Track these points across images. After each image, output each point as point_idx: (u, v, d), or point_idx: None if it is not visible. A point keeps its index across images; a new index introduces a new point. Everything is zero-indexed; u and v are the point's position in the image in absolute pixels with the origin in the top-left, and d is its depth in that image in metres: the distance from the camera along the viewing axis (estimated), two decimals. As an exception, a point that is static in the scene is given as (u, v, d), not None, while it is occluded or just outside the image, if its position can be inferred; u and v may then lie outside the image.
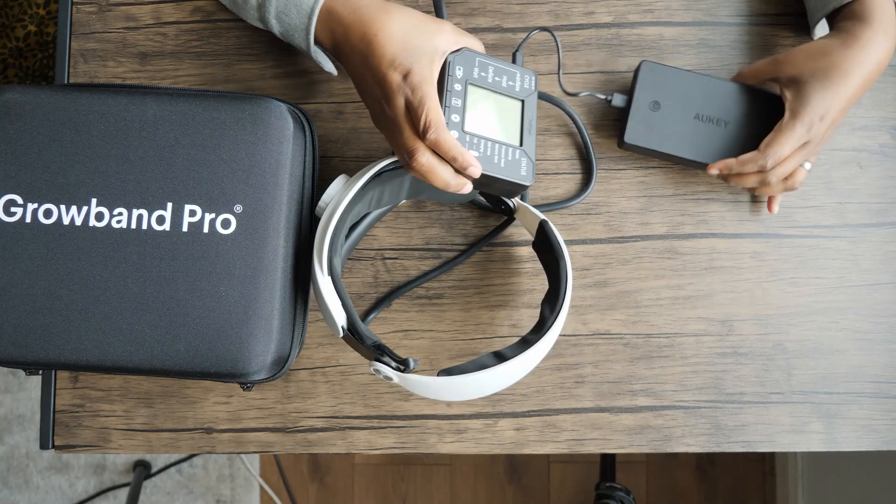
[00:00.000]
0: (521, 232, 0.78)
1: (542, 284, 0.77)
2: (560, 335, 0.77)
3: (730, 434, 0.76)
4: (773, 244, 0.78)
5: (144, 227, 0.64)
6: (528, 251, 0.78)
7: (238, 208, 0.64)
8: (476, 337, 0.77)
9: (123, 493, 1.66)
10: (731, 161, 0.72)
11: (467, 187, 0.66)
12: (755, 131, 0.74)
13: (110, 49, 0.80)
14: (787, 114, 0.70)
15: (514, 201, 0.75)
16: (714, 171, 0.73)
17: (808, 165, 0.74)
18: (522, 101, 0.69)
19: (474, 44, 0.69)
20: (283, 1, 0.69)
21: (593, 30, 0.80)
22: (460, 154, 0.63)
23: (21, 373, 1.65)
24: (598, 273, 0.77)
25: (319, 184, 0.79)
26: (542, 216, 0.73)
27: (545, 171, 0.79)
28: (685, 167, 0.78)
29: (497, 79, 0.69)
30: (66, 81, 0.79)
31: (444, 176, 0.64)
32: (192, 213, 0.64)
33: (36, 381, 1.66)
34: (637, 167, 0.78)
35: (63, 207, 0.64)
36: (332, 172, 0.79)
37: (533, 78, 0.70)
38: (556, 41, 0.73)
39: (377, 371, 0.64)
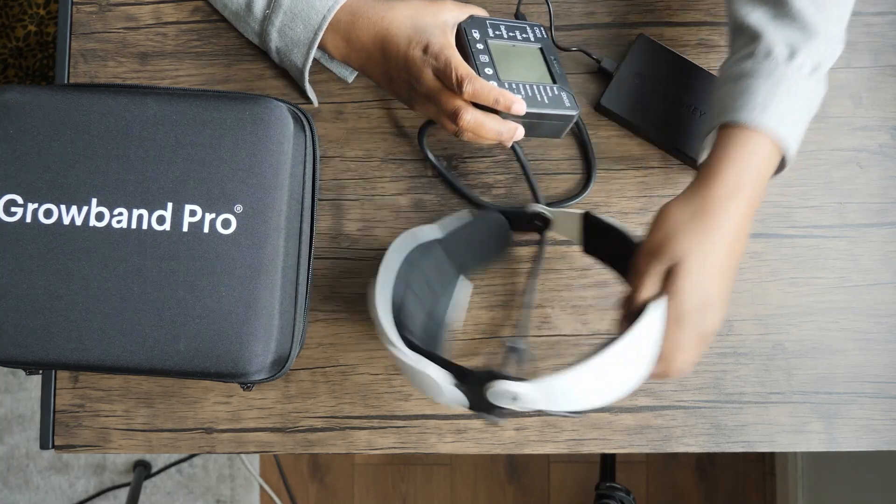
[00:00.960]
0: (521, 232, 0.78)
1: (541, 284, 0.77)
2: (560, 335, 0.77)
3: (730, 434, 0.76)
4: (773, 244, 0.78)
5: (145, 227, 0.64)
6: (528, 251, 0.78)
7: (238, 208, 0.64)
8: (476, 337, 0.77)
9: (123, 493, 1.66)
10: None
11: (519, 132, 0.66)
12: None
13: (110, 49, 0.80)
14: (667, 320, 0.60)
15: (545, 209, 0.71)
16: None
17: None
18: (541, 47, 0.72)
19: (478, 11, 0.72)
20: (290, 15, 0.71)
21: (593, 30, 0.80)
22: (500, 94, 0.64)
23: (21, 373, 1.65)
24: (598, 273, 0.77)
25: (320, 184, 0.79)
26: (581, 211, 0.69)
27: (545, 171, 0.79)
28: (684, 166, 0.78)
29: (511, 34, 0.72)
30: (66, 81, 0.79)
31: (493, 126, 0.65)
32: (193, 213, 0.64)
33: (36, 381, 1.66)
34: (637, 167, 0.78)
35: (63, 207, 0.64)
36: (333, 172, 0.79)
37: (541, 27, 0.73)
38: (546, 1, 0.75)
39: (501, 399, 0.57)
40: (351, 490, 1.67)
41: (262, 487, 1.66)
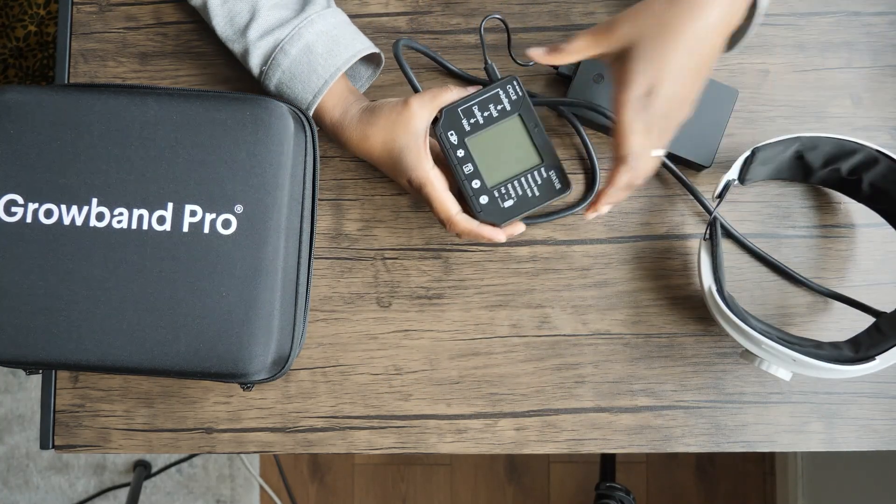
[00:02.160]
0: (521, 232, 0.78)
1: (541, 284, 0.77)
2: (560, 335, 0.77)
3: (730, 434, 0.76)
4: (773, 244, 0.78)
5: (145, 227, 0.64)
6: (528, 251, 0.78)
7: (238, 209, 0.64)
8: (476, 337, 0.77)
9: (123, 493, 1.66)
10: (609, 191, 0.65)
11: (518, 229, 0.71)
12: (692, 114, 0.75)
13: (110, 49, 0.80)
14: (613, 104, 0.62)
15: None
16: (593, 214, 0.67)
17: (658, 153, 0.65)
18: (519, 114, 0.70)
19: (446, 96, 0.70)
20: (289, 75, 0.70)
21: (593, 30, 0.80)
22: (480, 236, 0.69)
23: (21, 373, 1.65)
24: (598, 273, 0.77)
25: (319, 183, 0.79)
26: None
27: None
28: (685, 167, 0.78)
29: (486, 113, 0.70)
30: (66, 81, 0.79)
31: (489, 240, 0.70)
32: (193, 214, 0.64)
33: (36, 381, 1.66)
34: (637, 167, 0.78)
35: (64, 207, 0.64)
36: (333, 172, 0.79)
37: (515, 83, 0.70)
38: (503, 23, 0.73)
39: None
40: (351, 490, 1.67)
41: (262, 487, 1.66)
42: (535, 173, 0.69)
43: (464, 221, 0.69)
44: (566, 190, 0.69)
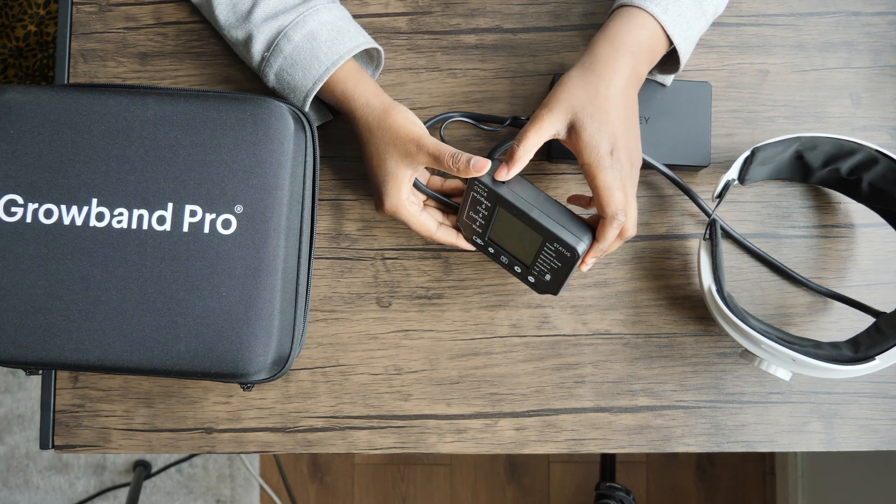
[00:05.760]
0: (521, 232, 0.78)
1: (542, 284, 0.77)
2: (560, 335, 0.77)
3: (729, 434, 0.76)
4: (773, 244, 0.78)
5: (145, 227, 0.64)
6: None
7: (238, 208, 0.64)
8: (476, 337, 0.77)
9: (123, 493, 1.66)
10: (601, 245, 0.67)
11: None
12: (674, 120, 0.75)
13: (110, 49, 0.80)
14: (585, 170, 0.65)
15: None
16: (587, 267, 0.68)
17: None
18: (497, 206, 0.68)
19: (441, 149, 0.67)
20: (290, 61, 0.70)
21: (593, 30, 0.80)
22: (458, 245, 0.73)
23: (21, 373, 1.65)
24: (598, 273, 0.77)
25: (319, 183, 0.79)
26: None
27: (544, 172, 0.78)
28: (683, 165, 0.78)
29: (480, 213, 0.70)
30: (66, 81, 0.79)
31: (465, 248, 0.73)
32: (193, 214, 0.64)
33: (36, 381, 1.66)
34: (641, 167, 0.78)
35: (64, 207, 0.64)
36: (333, 172, 0.79)
37: (477, 182, 0.68)
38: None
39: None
40: (351, 490, 1.67)
41: (262, 487, 1.66)
42: (546, 249, 0.68)
43: (444, 236, 0.71)
44: (575, 252, 0.66)
